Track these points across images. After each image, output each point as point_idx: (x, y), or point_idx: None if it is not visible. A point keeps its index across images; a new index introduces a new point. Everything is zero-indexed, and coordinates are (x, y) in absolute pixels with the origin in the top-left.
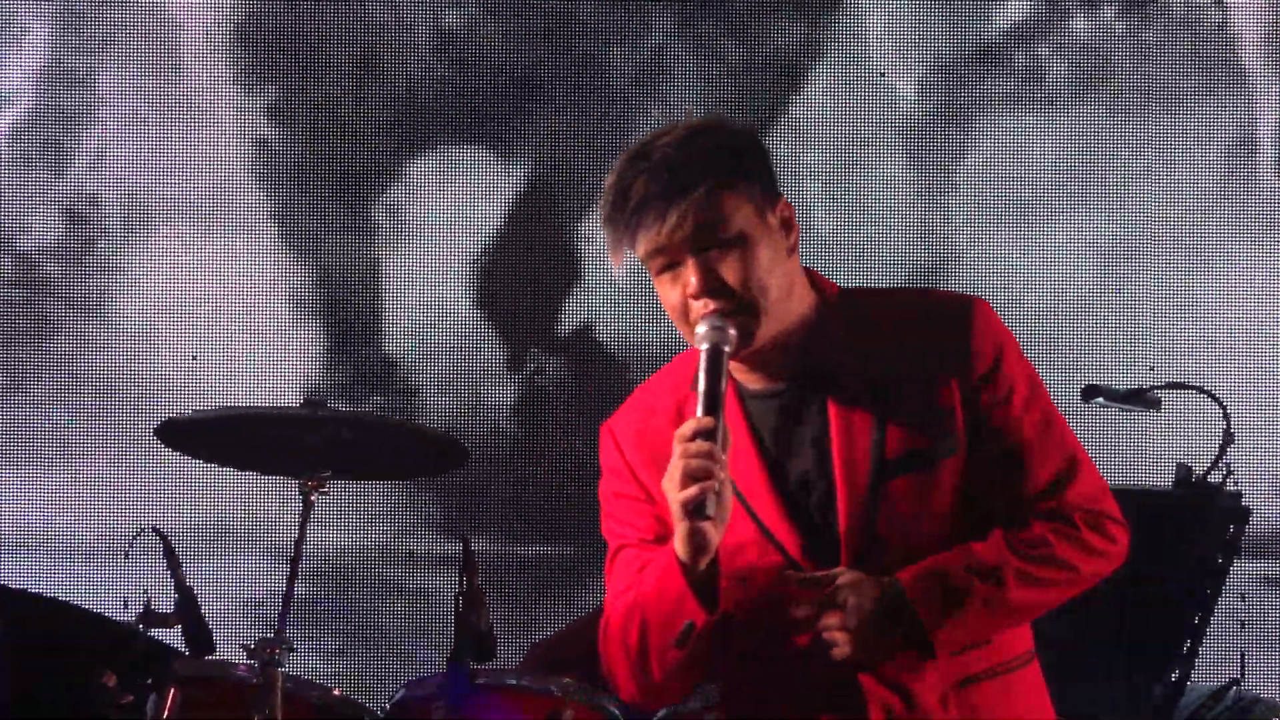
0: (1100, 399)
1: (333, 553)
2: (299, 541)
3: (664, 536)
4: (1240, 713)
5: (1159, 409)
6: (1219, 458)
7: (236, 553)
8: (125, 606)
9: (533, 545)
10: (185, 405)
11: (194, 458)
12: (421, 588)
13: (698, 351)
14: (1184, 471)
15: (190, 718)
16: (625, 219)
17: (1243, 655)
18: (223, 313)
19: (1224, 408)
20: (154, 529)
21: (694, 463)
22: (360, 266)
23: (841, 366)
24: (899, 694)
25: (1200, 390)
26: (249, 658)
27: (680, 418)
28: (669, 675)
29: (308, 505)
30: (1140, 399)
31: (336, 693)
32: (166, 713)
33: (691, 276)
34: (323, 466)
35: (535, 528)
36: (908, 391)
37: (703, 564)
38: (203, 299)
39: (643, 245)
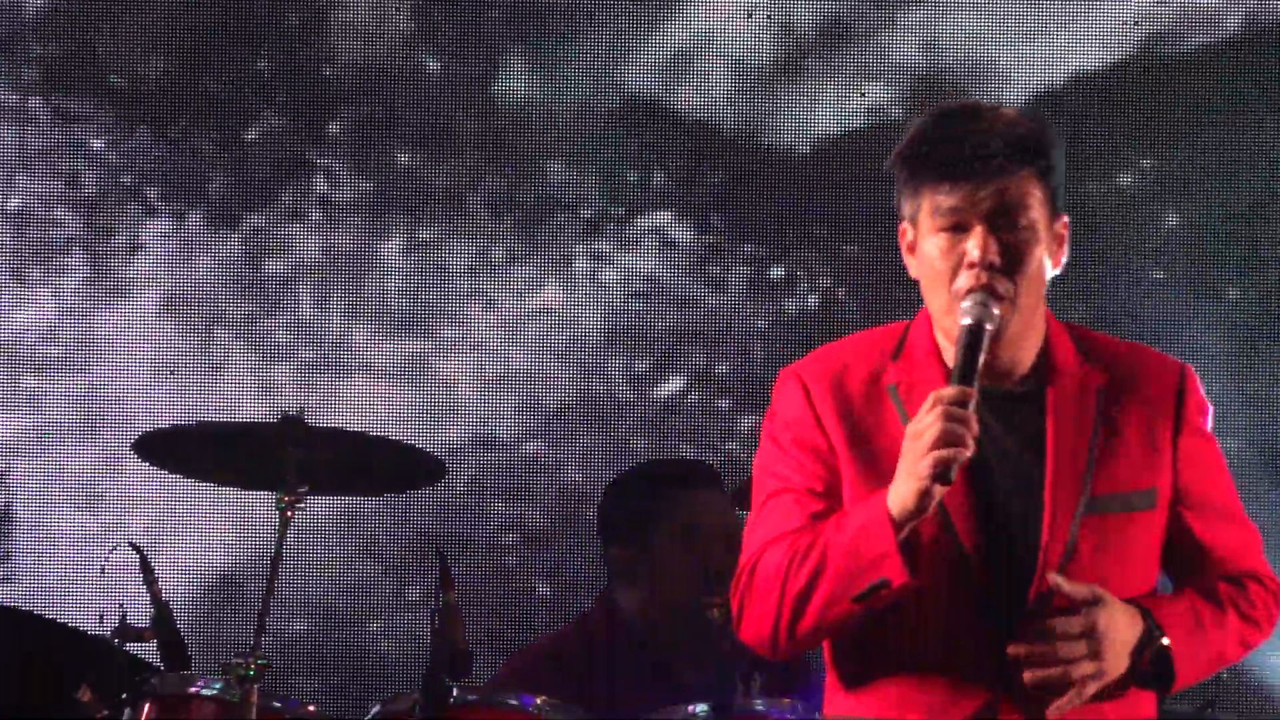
0: None
1: (310, 569)
2: (275, 557)
3: (832, 490)
4: None
5: None
6: None
7: (213, 568)
8: (101, 620)
9: (509, 560)
10: (163, 419)
11: (171, 472)
12: (399, 604)
13: (900, 327)
14: None
15: None
16: (947, 164)
17: (1217, 679)
18: (202, 325)
19: None
20: (130, 543)
21: (955, 428)
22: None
23: (1069, 387)
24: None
25: None
26: (225, 674)
27: (876, 384)
28: (820, 630)
29: (284, 521)
30: None
31: (312, 709)
32: None
33: (976, 247)
34: (300, 482)
35: (513, 543)
36: (1126, 433)
37: (916, 525)
38: (182, 311)
39: (951, 196)
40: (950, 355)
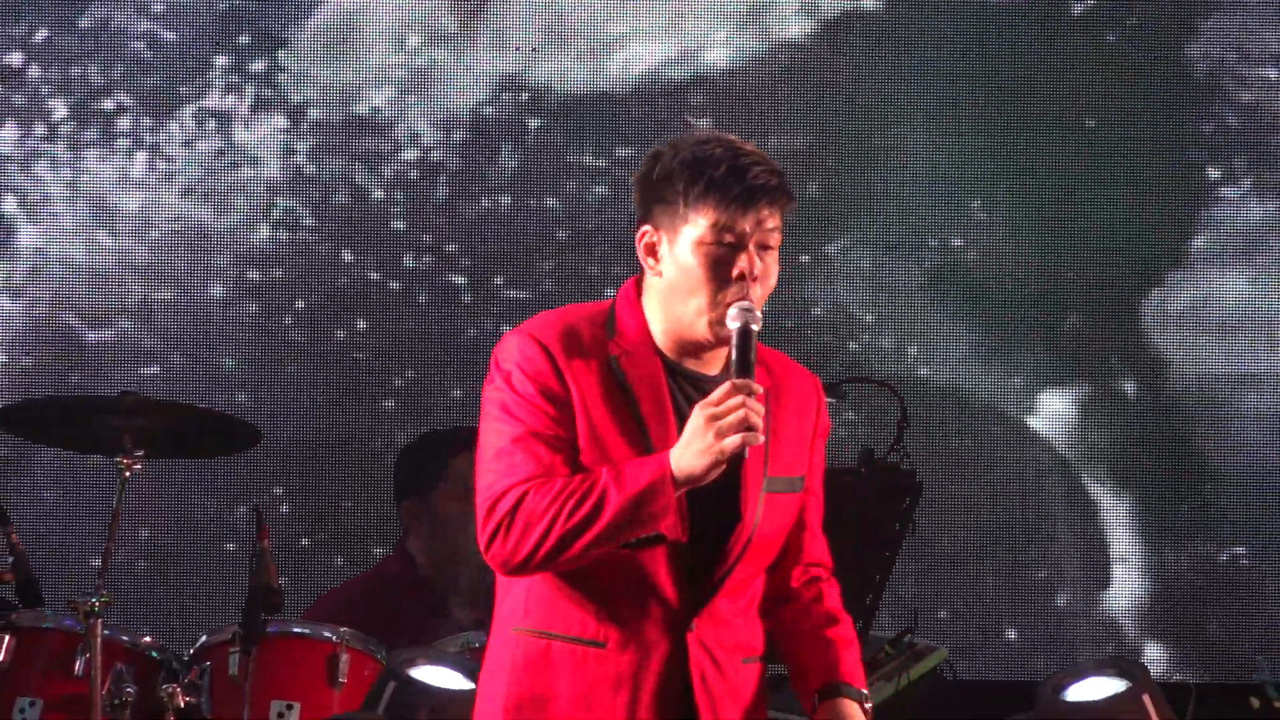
0: None
1: (146, 521)
2: (115, 511)
3: (571, 439)
4: (913, 656)
5: (845, 399)
6: (897, 441)
7: (63, 521)
8: None
9: (318, 512)
10: (17, 394)
11: (29, 440)
12: (221, 550)
13: (604, 307)
14: (867, 453)
15: (23, 661)
16: (736, 192)
17: (916, 610)
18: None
19: (900, 399)
20: None
21: (754, 416)
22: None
23: (786, 383)
24: (712, 659)
25: (881, 383)
26: (73, 610)
27: (599, 353)
28: (572, 561)
29: (123, 481)
30: (831, 391)
31: (148, 639)
32: (2, 655)
33: (747, 266)
34: (136, 447)
35: (321, 497)
36: (785, 427)
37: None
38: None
39: (739, 219)
40: (665, 338)
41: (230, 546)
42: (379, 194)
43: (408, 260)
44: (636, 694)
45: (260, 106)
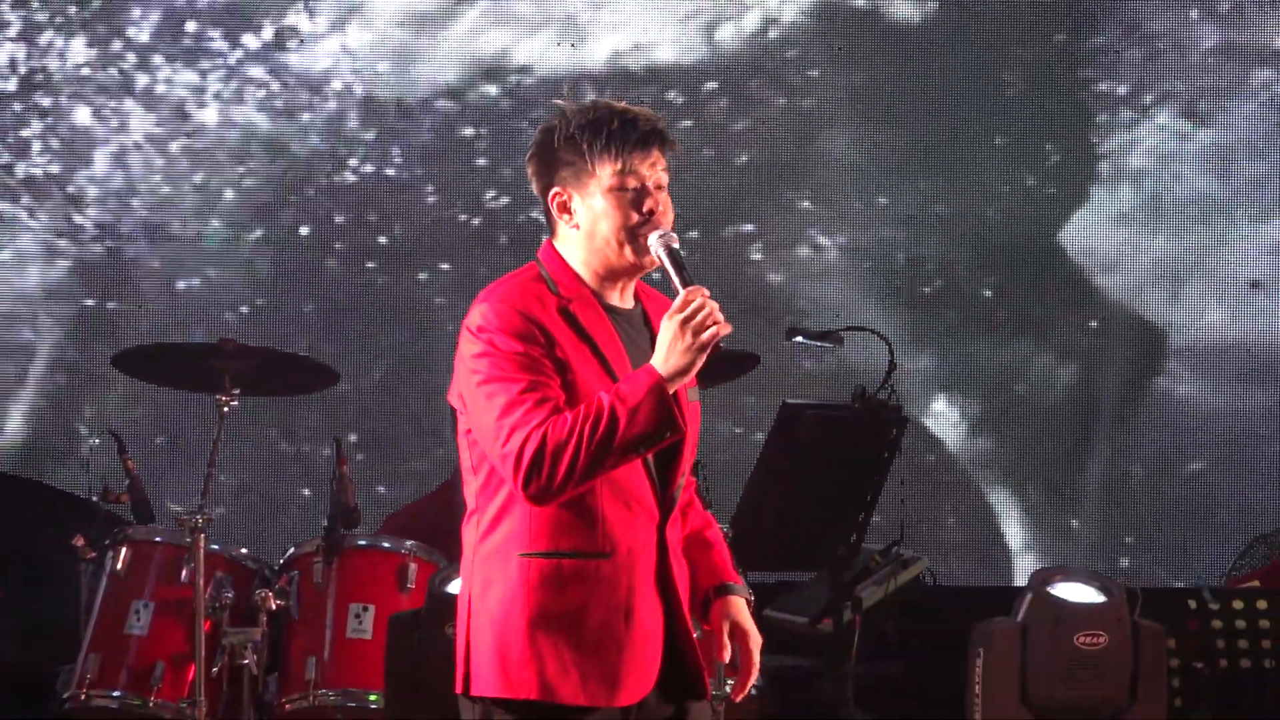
0: (800, 338)
1: (242, 450)
2: (215, 442)
3: (560, 381)
4: (899, 565)
5: (842, 345)
6: (885, 381)
7: (170, 451)
8: (90, 489)
9: (392, 445)
10: (133, 340)
11: (141, 380)
12: (305, 474)
13: (531, 270)
14: (860, 390)
15: (138, 569)
16: (632, 140)
17: (902, 524)
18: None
19: (889, 345)
20: (110, 431)
21: (717, 312)
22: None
23: (651, 310)
24: (674, 552)
25: (873, 332)
26: (179, 525)
27: (550, 307)
28: (599, 476)
29: (221, 415)
30: (829, 337)
31: (244, 551)
32: (120, 565)
33: (656, 202)
34: (233, 386)
35: (394, 430)
36: None
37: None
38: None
39: (638, 162)
40: (594, 278)
41: (312, 472)
42: (467, 131)
43: (489, 198)
44: (632, 590)
45: (344, 48)
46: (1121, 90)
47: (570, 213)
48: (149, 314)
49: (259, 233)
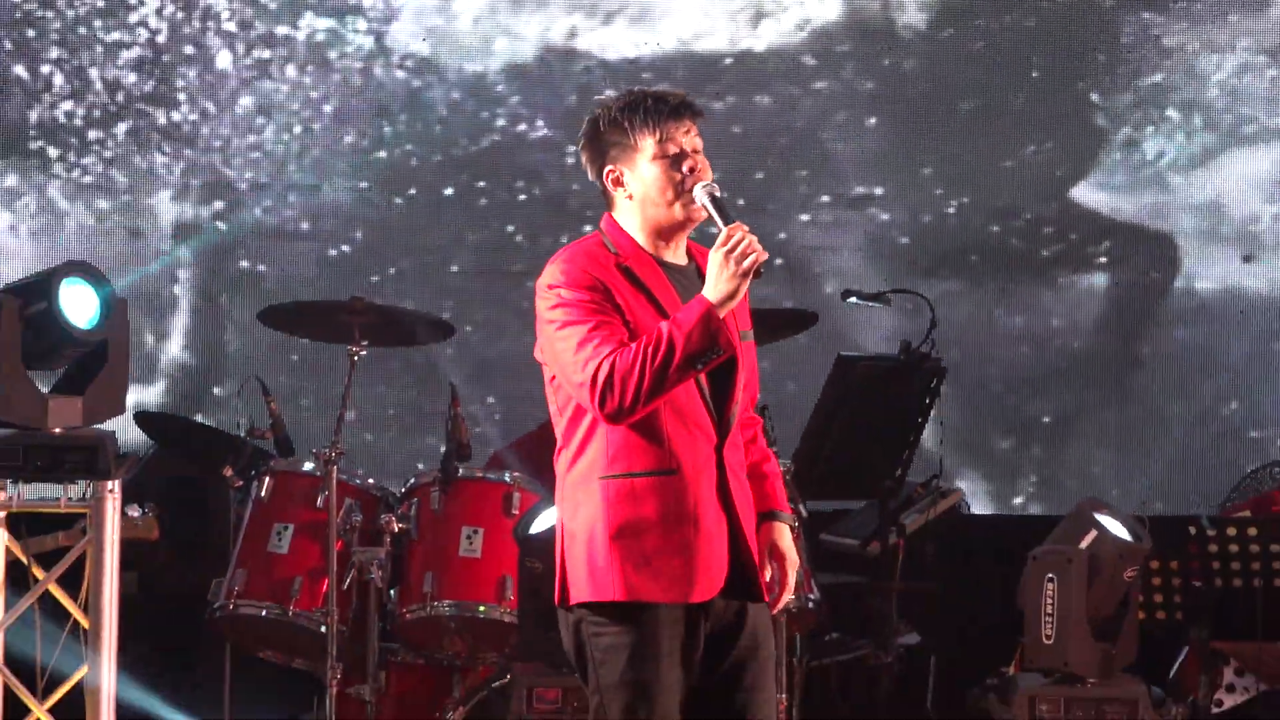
0: (854, 299)
1: (372, 396)
2: (347, 385)
3: (623, 320)
4: (938, 495)
5: (890, 305)
6: (927, 336)
7: (309, 393)
8: (238, 426)
9: (500, 391)
10: (275, 299)
11: (285, 333)
12: (427, 414)
13: (596, 238)
14: (905, 345)
15: (280, 496)
16: (665, 112)
17: (941, 459)
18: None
19: (931, 306)
20: (256, 377)
21: (755, 242)
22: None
23: (704, 265)
24: (734, 472)
25: (917, 294)
26: (316, 459)
27: (612, 267)
28: (664, 394)
29: (352, 364)
30: (879, 298)
31: (371, 481)
32: (264, 492)
33: (695, 162)
34: (362, 338)
35: (499, 379)
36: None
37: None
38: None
39: (674, 131)
40: (650, 241)
41: (430, 413)
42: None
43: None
44: (698, 502)
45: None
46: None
47: (623, 185)
48: (297, 274)
49: (412, 192)
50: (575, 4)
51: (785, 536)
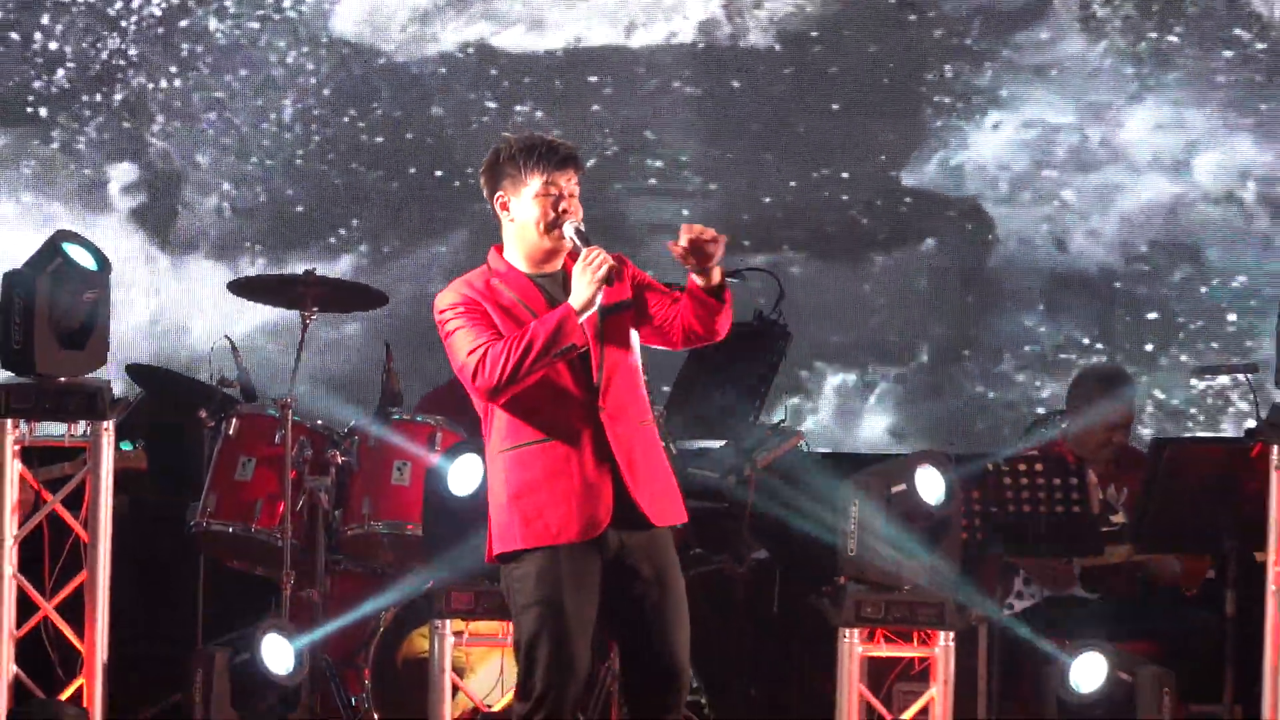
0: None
1: (320, 352)
2: (300, 344)
3: (497, 326)
4: (784, 436)
5: (744, 280)
6: (775, 306)
7: (267, 352)
8: (211, 377)
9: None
10: (242, 273)
11: (249, 300)
12: (363, 368)
13: (484, 269)
14: (757, 313)
15: (244, 434)
16: (554, 161)
17: (787, 407)
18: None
19: (779, 280)
20: (226, 336)
21: (608, 259)
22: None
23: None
24: (617, 424)
25: (767, 271)
26: (274, 404)
27: (489, 285)
28: (526, 379)
29: (304, 327)
30: (736, 275)
31: (320, 422)
32: (232, 431)
33: (569, 205)
34: (312, 305)
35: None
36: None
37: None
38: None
39: (560, 176)
40: (528, 264)
41: (368, 367)
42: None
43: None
44: (582, 459)
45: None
46: None
47: (509, 210)
48: (272, 247)
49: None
50: None
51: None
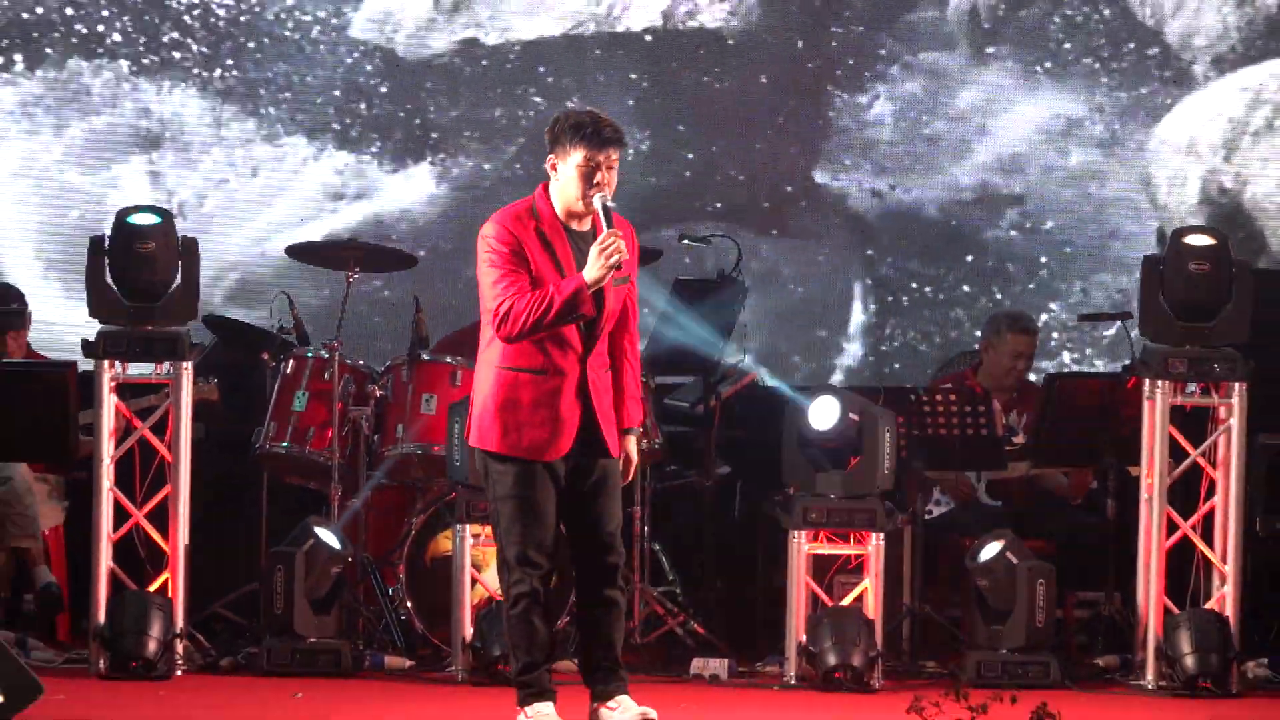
0: (687, 239)
1: (361, 306)
2: (344, 299)
3: (527, 272)
4: (743, 373)
5: (711, 244)
6: (735, 266)
7: (316, 304)
8: (272, 326)
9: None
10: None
11: (304, 263)
12: (398, 315)
13: (528, 201)
14: (720, 270)
15: (297, 372)
16: (599, 141)
17: (744, 350)
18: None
19: (738, 245)
20: (284, 292)
21: (623, 248)
22: None
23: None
24: (594, 372)
25: (726, 236)
26: (324, 347)
27: (530, 227)
28: (542, 332)
29: (349, 283)
30: (704, 240)
31: (361, 362)
32: (289, 369)
33: (603, 179)
34: (355, 266)
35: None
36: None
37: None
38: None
39: (599, 155)
40: (563, 213)
41: (402, 316)
42: None
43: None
44: (562, 392)
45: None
46: None
47: (556, 171)
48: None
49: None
50: None
51: (632, 444)
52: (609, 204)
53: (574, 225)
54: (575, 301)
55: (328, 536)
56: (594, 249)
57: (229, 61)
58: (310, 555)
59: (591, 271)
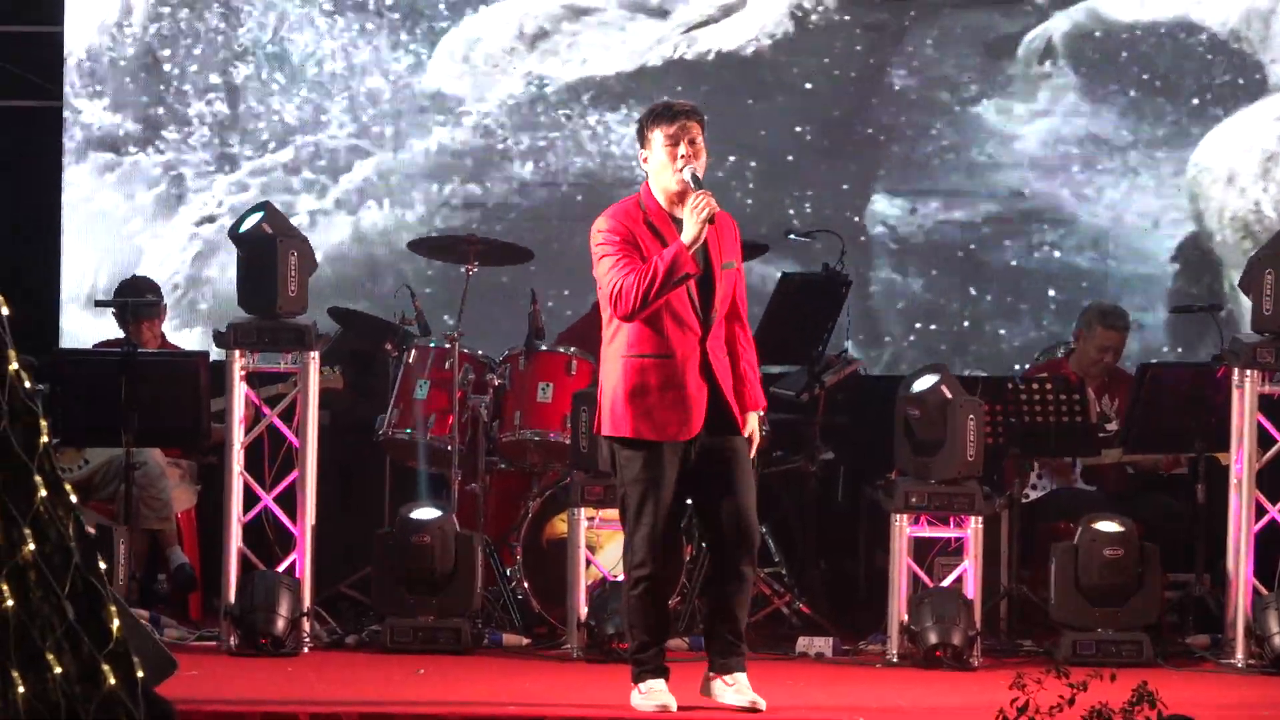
0: (792, 235)
1: (481, 296)
2: (464, 292)
3: (638, 258)
4: (846, 362)
5: (815, 239)
6: (839, 260)
7: (439, 296)
8: (394, 317)
9: (565, 297)
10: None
11: (426, 256)
12: (514, 306)
13: (635, 199)
14: (825, 265)
15: (419, 361)
16: (671, 115)
17: (846, 341)
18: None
19: (842, 239)
20: (406, 285)
21: (712, 202)
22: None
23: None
24: (715, 355)
25: (831, 232)
26: (444, 338)
27: (639, 220)
28: (654, 301)
29: (467, 278)
30: (810, 235)
31: (480, 352)
32: (411, 359)
33: (687, 150)
34: (474, 260)
35: (564, 289)
36: (727, 238)
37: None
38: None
39: (674, 127)
40: (665, 201)
41: (519, 308)
42: None
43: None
44: (684, 376)
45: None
46: None
47: (647, 161)
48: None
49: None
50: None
51: (753, 422)
52: (698, 173)
53: (677, 213)
54: (678, 263)
55: (419, 512)
56: (685, 209)
57: None
58: (403, 526)
59: (689, 231)
